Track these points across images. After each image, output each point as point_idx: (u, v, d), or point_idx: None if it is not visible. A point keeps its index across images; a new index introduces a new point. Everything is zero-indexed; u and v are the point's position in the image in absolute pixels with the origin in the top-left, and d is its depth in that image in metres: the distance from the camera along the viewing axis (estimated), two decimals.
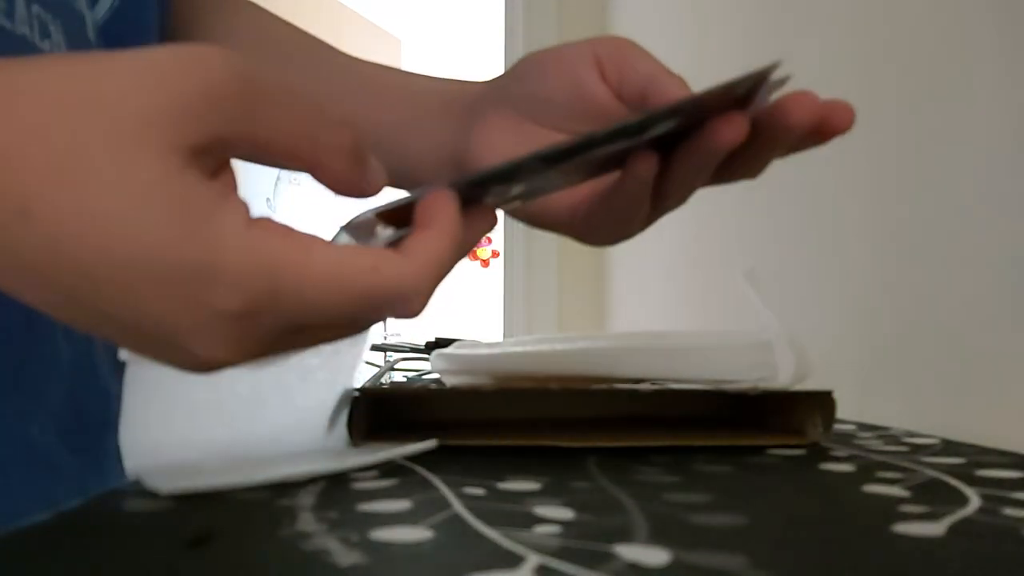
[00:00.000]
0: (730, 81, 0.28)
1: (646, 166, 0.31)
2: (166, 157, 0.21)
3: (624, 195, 0.34)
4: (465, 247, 0.28)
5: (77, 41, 0.39)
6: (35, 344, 0.37)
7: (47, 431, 0.38)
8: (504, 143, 0.37)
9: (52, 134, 0.21)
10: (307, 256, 0.22)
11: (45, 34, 0.37)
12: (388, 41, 3.24)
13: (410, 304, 0.24)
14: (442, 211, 0.26)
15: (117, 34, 0.43)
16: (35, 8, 0.36)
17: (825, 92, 0.31)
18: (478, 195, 0.29)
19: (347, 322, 0.24)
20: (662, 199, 0.34)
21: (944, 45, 0.56)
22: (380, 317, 0.24)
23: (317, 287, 0.22)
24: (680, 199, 0.35)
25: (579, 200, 0.36)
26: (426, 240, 0.25)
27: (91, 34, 0.41)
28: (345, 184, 0.25)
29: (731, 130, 0.30)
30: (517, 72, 0.38)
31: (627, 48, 0.36)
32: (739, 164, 0.33)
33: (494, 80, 0.40)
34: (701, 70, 1.05)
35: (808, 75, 0.71)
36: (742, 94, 0.29)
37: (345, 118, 0.25)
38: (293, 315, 0.22)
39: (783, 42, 0.81)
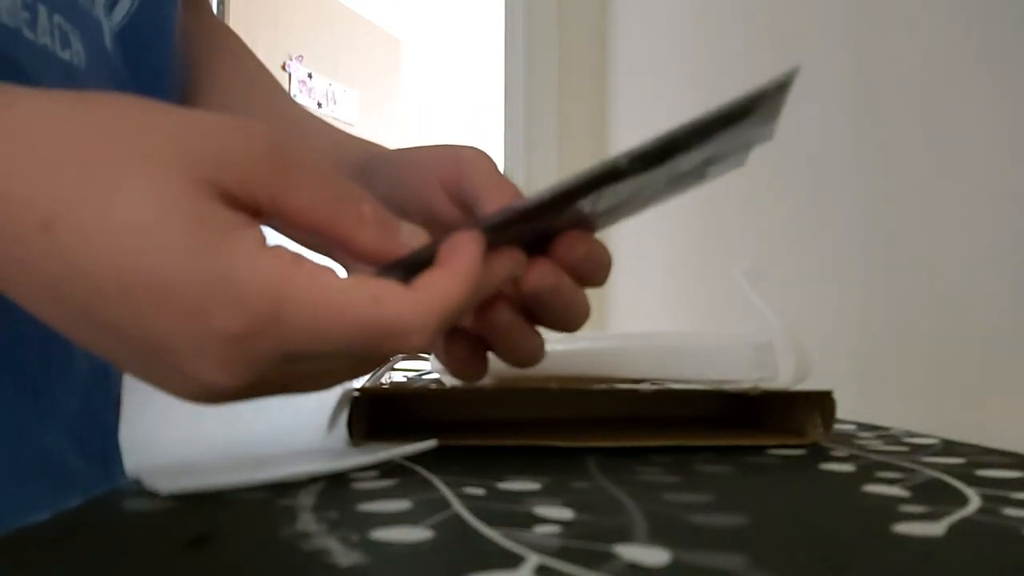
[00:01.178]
0: (749, 94, 0.27)
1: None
2: (195, 184, 0.22)
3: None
4: (486, 287, 0.28)
5: (95, 50, 0.39)
6: (54, 355, 0.37)
7: (61, 440, 0.38)
8: None
9: (91, 151, 0.22)
10: (311, 283, 0.22)
11: (66, 44, 0.37)
12: (388, 41, 3.24)
13: (409, 339, 0.23)
14: (462, 250, 0.26)
15: (133, 40, 0.43)
16: (56, 18, 0.36)
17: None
18: (513, 234, 0.29)
19: (347, 354, 0.24)
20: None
21: (942, 48, 0.56)
22: (380, 350, 0.24)
23: (318, 314, 0.22)
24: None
25: None
26: (438, 276, 0.25)
27: (108, 41, 0.41)
28: (377, 252, 0.26)
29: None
30: (385, 167, 0.40)
31: (468, 164, 0.36)
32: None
33: (373, 159, 0.41)
34: (702, 69, 1.05)
35: (809, 76, 0.71)
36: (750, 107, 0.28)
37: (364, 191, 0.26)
38: (291, 341, 0.22)
39: (784, 39, 0.81)
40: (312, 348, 0.23)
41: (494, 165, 0.37)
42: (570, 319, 0.34)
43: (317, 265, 0.23)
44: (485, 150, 0.38)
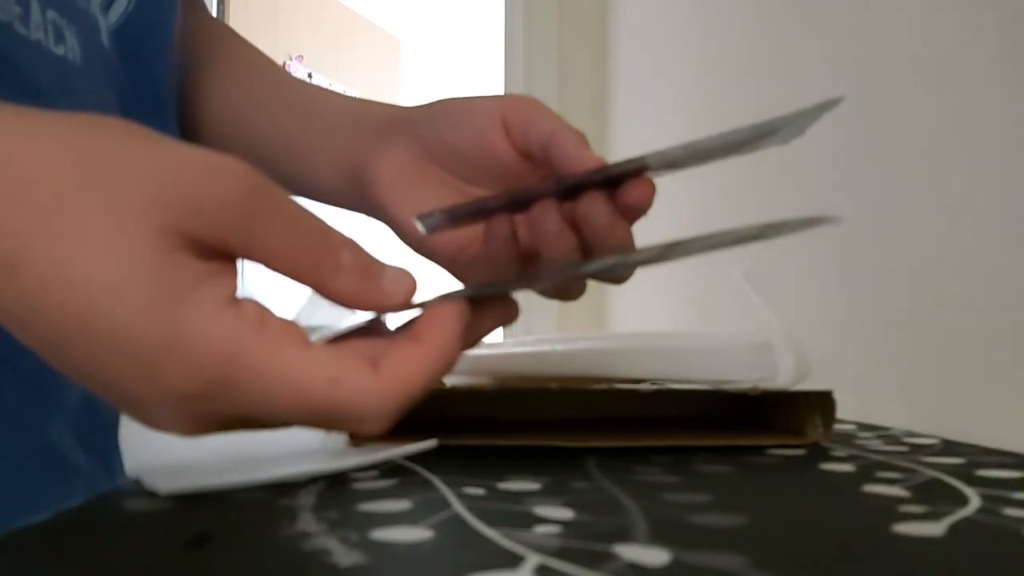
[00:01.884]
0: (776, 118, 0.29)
1: (502, 227, 0.34)
2: (160, 236, 0.21)
3: (490, 246, 0.35)
4: (465, 349, 0.27)
5: (91, 47, 0.39)
6: None
7: (64, 433, 0.38)
8: (406, 176, 0.38)
9: (60, 195, 0.21)
10: (270, 353, 0.22)
11: (60, 39, 0.37)
12: (388, 41, 3.24)
13: (362, 425, 0.23)
14: (440, 327, 0.25)
15: (131, 39, 0.43)
16: (50, 13, 0.36)
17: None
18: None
19: (300, 423, 0.24)
20: (529, 266, 0.36)
21: (944, 46, 0.56)
22: (332, 428, 0.24)
23: (271, 388, 0.22)
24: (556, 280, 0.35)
25: (467, 241, 0.37)
26: (407, 357, 0.24)
27: (105, 39, 0.41)
28: (356, 300, 0.25)
29: (641, 191, 0.32)
30: (429, 113, 0.39)
31: (532, 107, 0.37)
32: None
33: (408, 110, 0.41)
34: (701, 68, 1.05)
35: (809, 75, 0.71)
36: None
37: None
38: (244, 408, 0.22)
39: (784, 42, 0.81)
40: (263, 416, 0.23)
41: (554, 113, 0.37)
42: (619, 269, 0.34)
43: (282, 328, 0.23)
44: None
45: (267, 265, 0.24)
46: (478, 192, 0.38)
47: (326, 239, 0.24)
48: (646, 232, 0.37)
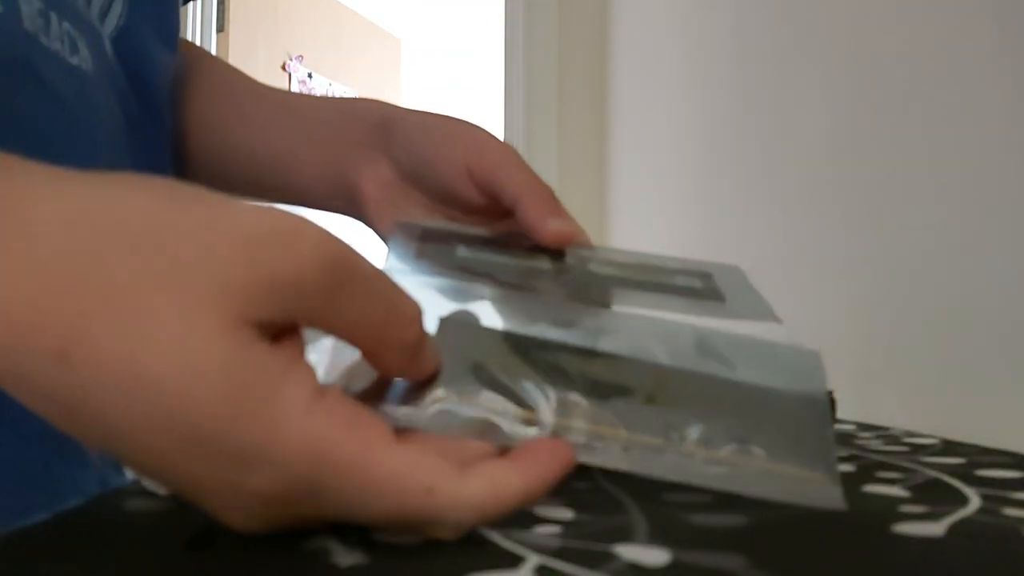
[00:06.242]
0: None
1: None
2: (236, 328, 0.19)
3: None
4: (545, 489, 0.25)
5: (99, 56, 0.40)
6: None
7: (30, 436, 0.37)
8: (389, 196, 0.41)
9: (116, 274, 0.19)
10: (362, 456, 0.20)
11: (74, 50, 0.38)
12: (388, 41, 3.24)
13: (450, 532, 0.22)
14: (549, 459, 0.24)
15: (127, 48, 0.44)
16: (65, 25, 0.37)
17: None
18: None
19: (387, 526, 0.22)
20: None
21: (943, 46, 0.56)
22: (423, 533, 0.22)
23: (363, 494, 0.20)
24: None
25: None
26: (501, 476, 0.22)
27: (108, 48, 0.42)
28: (395, 372, 0.25)
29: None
30: (403, 140, 0.41)
31: (497, 159, 0.38)
32: None
33: (387, 130, 0.42)
34: (701, 68, 1.05)
35: (808, 76, 0.71)
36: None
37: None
38: (331, 510, 0.21)
39: (781, 37, 0.81)
40: (350, 517, 0.21)
41: (524, 162, 0.39)
42: None
43: (371, 426, 0.21)
44: (500, 137, 0.40)
45: (332, 332, 0.22)
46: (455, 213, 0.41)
47: (395, 314, 0.23)
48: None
